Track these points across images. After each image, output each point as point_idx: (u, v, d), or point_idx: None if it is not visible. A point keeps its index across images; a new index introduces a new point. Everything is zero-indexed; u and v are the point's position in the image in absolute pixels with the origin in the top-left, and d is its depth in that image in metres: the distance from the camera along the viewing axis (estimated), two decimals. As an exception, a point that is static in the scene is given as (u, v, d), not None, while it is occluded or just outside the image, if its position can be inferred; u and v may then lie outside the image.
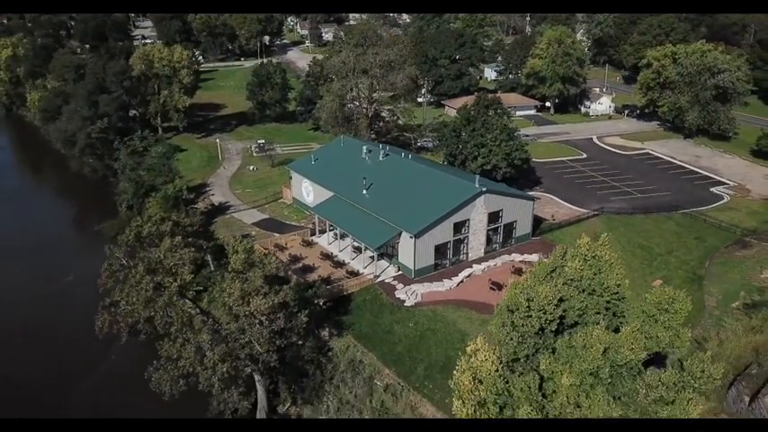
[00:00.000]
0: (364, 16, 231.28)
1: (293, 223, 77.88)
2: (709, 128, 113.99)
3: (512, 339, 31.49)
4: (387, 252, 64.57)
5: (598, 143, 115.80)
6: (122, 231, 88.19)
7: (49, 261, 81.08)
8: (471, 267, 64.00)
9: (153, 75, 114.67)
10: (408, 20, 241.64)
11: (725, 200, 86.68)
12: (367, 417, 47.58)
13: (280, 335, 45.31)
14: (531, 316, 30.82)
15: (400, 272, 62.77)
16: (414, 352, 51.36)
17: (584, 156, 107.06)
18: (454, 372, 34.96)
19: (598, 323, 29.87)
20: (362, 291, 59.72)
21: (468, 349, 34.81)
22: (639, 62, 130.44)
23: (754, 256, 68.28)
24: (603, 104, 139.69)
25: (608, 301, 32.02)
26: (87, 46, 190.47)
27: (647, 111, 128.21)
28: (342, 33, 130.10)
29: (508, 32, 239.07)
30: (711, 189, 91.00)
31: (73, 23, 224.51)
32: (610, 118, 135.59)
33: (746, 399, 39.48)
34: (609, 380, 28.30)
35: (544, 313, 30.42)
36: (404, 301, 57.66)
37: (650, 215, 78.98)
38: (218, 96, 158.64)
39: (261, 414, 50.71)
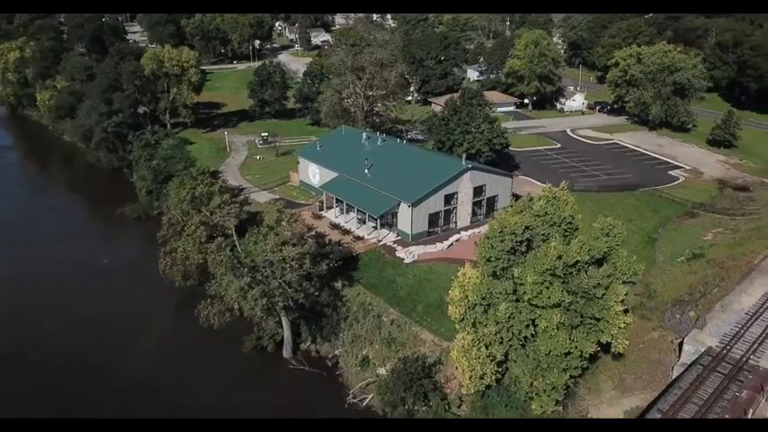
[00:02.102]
0: (351, 21, 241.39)
1: (301, 202, 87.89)
2: (670, 120, 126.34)
3: (490, 258, 42.00)
4: (387, 222, 75.03)
5: (571, 135, 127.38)
6: (142, 215, 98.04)
7: (80, 247, 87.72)
8: (459, 234, 74.71)
9: (163, 74, 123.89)
10: (394, 24, 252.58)
11: (680, 180, 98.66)
12: (377, 346, 57.89)
13: (306, 278, 55.46)
14: (504, 240, 41.39)
15: (399, 237, 73.30)
16: (414, 296, 61.97)
17: (559, 146, 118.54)
18: (450, 291, 45.65)
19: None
20: (368, 252, 70.21)
21: (459, 273, 45.52)
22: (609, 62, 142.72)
23: (700, 224, 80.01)
24: (577, 101, 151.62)
25: (565, 230, 42.70)
26: (83, 49, 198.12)
27: (616, 106, 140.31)
28: (339, 35, 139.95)
29: (489, 36, 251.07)
30: (670, 172, 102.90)
31: (65, 29, 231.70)
32: (583, 113, 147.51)
33: (678, 316, 50.49)
34: (563, 277, 38.97)
35: (515, 236, 41.04)
36: (403, 259, 68.20)
37: (614, 193, 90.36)
38: (217, 96, 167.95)
39: (287, 349, 60.67)
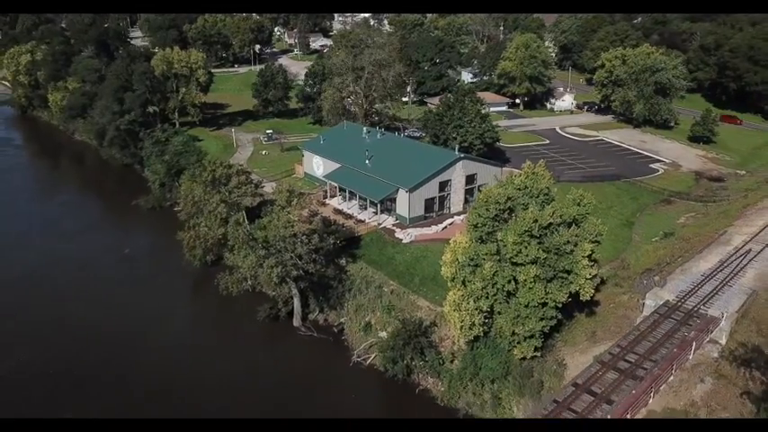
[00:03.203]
0: (347, 26, 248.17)
1: (306, 192, 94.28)
2: (653, 118, 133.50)
3: (477, 225, 48.57)
4: (386, 207, 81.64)
5: (560, 132, 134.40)
6: (156, 206, 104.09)
7: (102, 236, 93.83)
8: (452, 218, 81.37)
9: (172, 74, 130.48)
10: (391, 29, 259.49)
11: (660, 172, 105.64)
12: (378, 313, 64.35)
13: (315, 252, 61.95)
14: (489, 208, 47.99)
15: (397, 221, 79.91)
16: (411, 270, 68.58)
17: (548, 142, 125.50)
18: (443, 256, 52.19)
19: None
20: (369, 233, 76.88)
21: (451, 241, 52.10)
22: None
23: (675, 210, 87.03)
24: (566, 101, 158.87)
25: (543, 200, 49.31)
26: (83, 53, 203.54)
27: (603, 106, 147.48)
28: (340, 37, 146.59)
29: (483, 40, 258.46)
30: (650, 165, 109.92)
31: (68, 33, 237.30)
32: (572, 113, 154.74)
33: (644, 282, 57.20)
34: (539, 238, 45.54)
35: (498, 204, 47.66)
36: (402, 240, 74.84)
37: (596, 183, 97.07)
38: (221, 97, 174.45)
39: (296, 318, 67.05)
